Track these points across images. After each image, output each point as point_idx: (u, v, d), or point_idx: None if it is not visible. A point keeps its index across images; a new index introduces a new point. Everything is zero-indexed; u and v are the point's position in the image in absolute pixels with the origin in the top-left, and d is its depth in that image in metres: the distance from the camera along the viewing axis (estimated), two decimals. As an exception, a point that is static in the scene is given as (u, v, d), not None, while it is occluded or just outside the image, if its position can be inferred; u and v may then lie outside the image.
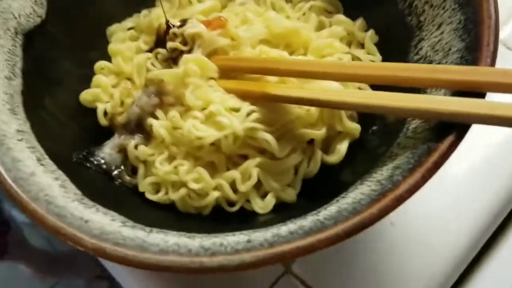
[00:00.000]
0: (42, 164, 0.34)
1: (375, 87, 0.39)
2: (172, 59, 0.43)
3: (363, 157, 0.39)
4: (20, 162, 0.32)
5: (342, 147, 0.40)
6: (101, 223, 0.30)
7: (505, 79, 0.27)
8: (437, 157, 0.28)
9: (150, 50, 0.45)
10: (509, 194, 0.47)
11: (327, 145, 0.41)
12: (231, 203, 0.39)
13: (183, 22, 0.44)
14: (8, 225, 1.02)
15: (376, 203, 0.27)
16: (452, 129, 0.28)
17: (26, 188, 0.31)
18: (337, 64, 0.38)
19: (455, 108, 0.28)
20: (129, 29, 0.48)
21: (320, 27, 0.45)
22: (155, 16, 0.46)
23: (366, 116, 0.41)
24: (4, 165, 0.32)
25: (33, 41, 0.41)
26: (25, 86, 0.38)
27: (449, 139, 0.28)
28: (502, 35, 0.52)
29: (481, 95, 0.29)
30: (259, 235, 0.29)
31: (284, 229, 0.29)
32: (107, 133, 0.43)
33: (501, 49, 0.50)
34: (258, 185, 0.39)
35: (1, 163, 0.32)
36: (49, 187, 0.32)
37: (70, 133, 0.41)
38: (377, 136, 0.40)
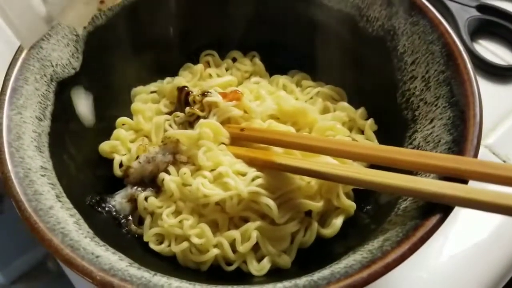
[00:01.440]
0: (60, 201, 0.37)
1: (371, 167, 0.42)
2: (189, 123, 0.48)
3: (355, 233, 0.41)
4: (41, 195, 0.35)
5: (337, 222, 0.43)
6: (110, 260, 0.32)
7: (484, 169, 0.31)
8: (423, 232, 0.31)
9: (169, 114, 0.49)
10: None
11: (324, 218, 0.44)
12: (229, 263, 0.41)
13: (204, 93, 0.48)
14: None
15: (366, 269, 0.30)
16: (437, 209, 0.32)
17: (45, 219, 0.33)
18: (337, 141, 0.42)
19: (437, 189, 0.31)
20: (152, 92, 0.53)
21: (325, 111, 0.50)
22: (177, 84, 0.51)
23: (361, 196, 0.44)
24: (26, 196, 0.34)
25: (64, 89, 0.45)
26: (52, 129, 0.42)
27: (434, 218, 0.31)
28: (489, 140, 0.56)
29: (464, 182, 0.32)
30: (256, 289, 0.31)
31: (279, 285, 0.31)
32: (119, 183, 0.46)
33: (487, 153, 0.55)
34: (255, 248, 0.41)
35: (24, 194, 0.34)
36: (65, 222, 0.34)
37: (86, 178, 0.44)
38: (370, 214, 0.43)
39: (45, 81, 0.43)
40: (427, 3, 0.44)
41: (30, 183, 0.35)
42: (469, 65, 0.40)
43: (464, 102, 0.38)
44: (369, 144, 0.45)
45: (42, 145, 0.40)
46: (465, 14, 0.65)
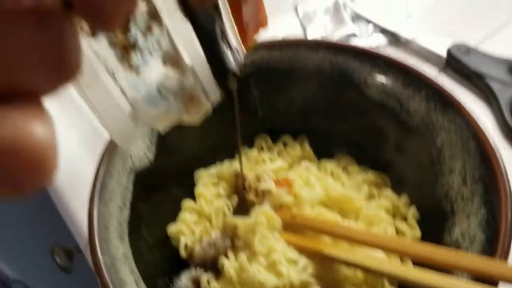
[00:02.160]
0: (137, 286, 0.43)
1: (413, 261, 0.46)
2: (245, 208, 0.53)
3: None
4: (125, 284, 0.41)
5: (381, 311, 0.46)
6: None
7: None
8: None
9: (228, 197, 0.55)
10: None
11: (368, 304, 0.47)
12: None
13: (258, 178, 0.54)
14: None
15: None
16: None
17: (129, 307, 0.39)
18: (382, 237, 0.46)
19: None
20: (212, 175, 0.59)
21: (370, 197, 0.54)
22: (234, 169, 0.57)
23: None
24: (113, 285, 0.40)
25: (140, 178, 0.52)
26: (131, 217, 0.49)
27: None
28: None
29: (495, 284, 0.36)
30: None
31: None
32: (186, 263, 0.52)
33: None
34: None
35: (111, 282, 0.40)
36: (143, 309, 0.40)
37: (156, 260, 0.50)
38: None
39: (126, 174, 0.50)
40: (461, 101, 0.48)
41: (116, 272, 0.42)
42: (502, 166, 0.43)
43: (497, 203, 0.41)
44: (411, 242, 0.48)
45: (123, 233, 0.46)
46: (507, 94, 0.68)
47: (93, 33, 0.24)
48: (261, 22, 0.32)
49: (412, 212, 0.51)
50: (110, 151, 0.49)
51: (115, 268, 0.42)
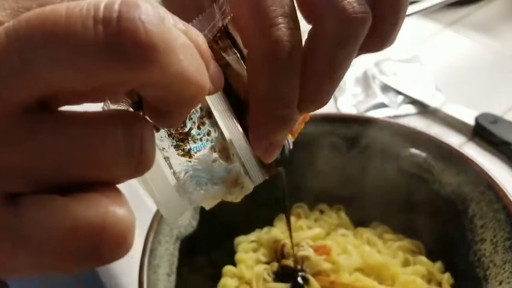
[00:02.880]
0: None
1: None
2: (285, 274, 0.56)
3: None
4: None
5: None
6: None
7: None
8: None
9: (267, 263, 0.58)
10: None
11: None
12: None
13: (297, 245, 0.57)
14: None
15: None
16: None
17: None
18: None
19: None
20: (252, 241, 0.62)
21: (405, 263, 0.56)
22: (273, 235, 0.60)
23: None
24: None
25: (185, 245, 0.55)
26: (177, 283, 0.52)
27: None
28: None
29: None
30: None
31: None
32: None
33: None
34: None
35: None
36: None
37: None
38: None
39: (173, 241, 0.54)
40: (493, 175, 0.51)
41: (165, 336, 0.45)
42: (532, 236, 0.45)
43: (528, 271, 0.43)
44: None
45: (170, 298, 0.50)
46: (535, 161, 0.71)
47: (157, 130, 0.29)
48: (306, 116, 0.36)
49: (446, 278, 0.53)
50: (158, 219, 0.53)
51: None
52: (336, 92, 0.91)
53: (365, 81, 0.91)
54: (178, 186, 0.32)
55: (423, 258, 0.56)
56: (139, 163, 0.20)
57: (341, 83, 0.92)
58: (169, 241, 0.53)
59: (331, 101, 0.89)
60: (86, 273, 0.77)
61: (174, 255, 0.53)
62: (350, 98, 0.89)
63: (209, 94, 0.24)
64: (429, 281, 0.55)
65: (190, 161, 0.32)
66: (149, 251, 0.51)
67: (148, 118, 0.23)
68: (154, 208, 0.67)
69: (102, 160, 0.19)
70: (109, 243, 0.19)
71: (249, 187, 0.34)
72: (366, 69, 0.92)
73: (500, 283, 0.46)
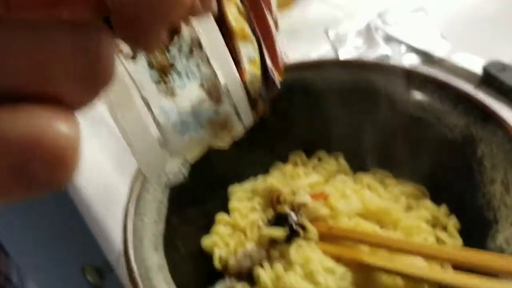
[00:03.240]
0: (173, 296, 0.42)
1: (454, 267, 0.45)
2: (280, 221, 0.53)
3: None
4: (160, 292, 0.41)
5: (424, 318, 0.44)
6: None
7: None
8: None
9: (263, 211, 0.55)
10: None
11: (409, 314, 0.46)
12: None
13: (293, 192, 0.54)
14: None
15: None
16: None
17: (164, 314, 0.39)
18: (423, 246, 0.44)
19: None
20: (246, 190, 0.59)
21: (408, 208, 0.53)
22: (269, 183, 0.57)
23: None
24: (148, 294, 0.40)
25: (175, 193, 0.52)
26: (166, 230, 0.49)
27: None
28: None
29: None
30: None
31: None
32: (220, 275, 0.51)
33: None
34: None
35: (145, 290, 0.40)
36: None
37: (191, 272, 0.50)
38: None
39: (161, 189, 0.50)
40: (503, 115, 0.47)
41: (150, 282, 0.42)
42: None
43: (542, 209, 0.40)
44: (452, 248, 0.47)
45: (159, 246, 0.47)
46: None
47: (134, 56, 0.25)
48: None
49: (452, 222, 0.50)
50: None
51: (150, 279, 0.42)
52: (336, 44, 0.87)
53: (368, 33, 0.87)
54: (159, 133, 0.28)
55: (428, 202, 0.52)
56: (92, 74, 0.17)
57: (342, 35, 0.88)
58: (157, 189, 0.50)
59: (332, 53, 0.86)
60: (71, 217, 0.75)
61: (163, 203, 0.50)
62: (352, 50, 0.84)
63: (196, 14, 0.20)
64: (434, 226, 0.51)
65: (173, 101, 0.28)
66: (135, 198, 0.48)
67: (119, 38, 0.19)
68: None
69: (47, 68, 0.16)
70: (44, 161, 0.16)
71: (238, 130, 0.30)
72: (369, 21, 0.87)
73: (512, 223, 0.42)
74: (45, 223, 1.05)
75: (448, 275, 0.39)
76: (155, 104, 0.27)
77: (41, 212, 1.03)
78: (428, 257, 0.42)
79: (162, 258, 0.46)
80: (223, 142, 0.31)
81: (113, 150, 0.72)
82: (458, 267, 0.41)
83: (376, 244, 0.45)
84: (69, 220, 0.80)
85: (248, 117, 0.30)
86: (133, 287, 0.40)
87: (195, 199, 0.56)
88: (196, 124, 0.28)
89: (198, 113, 0.28)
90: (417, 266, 0.42)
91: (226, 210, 0.57)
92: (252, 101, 0.30)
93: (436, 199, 0.53)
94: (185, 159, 0.53)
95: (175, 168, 0.53)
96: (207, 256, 0.53)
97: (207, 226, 0.56)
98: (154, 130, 0.28)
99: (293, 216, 0.51)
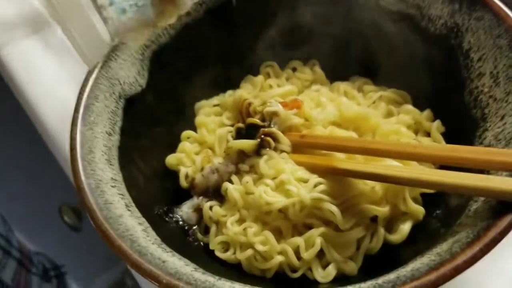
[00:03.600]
0: (129, 210, 0.38)
1: (439, 168, 0.41)
2: (250, 134, 0.48)
3: (424, 237, 0.40)
4: (111, 204, 0.37)
5: (405, 228, 0.41)
6: (176, 265, 0.33)
7: None
8: (495, 232, 0.29)
9: (232, 126, 0.50)
10: None
11: (391, 223, 0.42)
12: (294, 270, 0.41)
13: (264, 102, 0.49)
14: None
15: (434, 271, 0.29)
16: (510, 208, 0.30)
17: (114, 226, 0.35)
18: (402, 144, 0.40)
19: (510, 187, 0.29)
20: (215, 105, 0.54)
21: (389, 115, 0.49)
22: (238, 96, 0.52)
23: (430, 200, 0.42)
24: (97, 205, 0.36)
25: (132, 105, 0.47)
26: (121, 143, 0.44)
27: (508, 216, 0.29)
28: None
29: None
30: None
31: (343, 290, 0.31)
32: (186, 194, 0.47)
33: None
34: (320, 255, 0.40)
35: (95, 203, 0.36)
36: (133, 229, 0.36)
37: (154, 189, 0.46)
38: (440, 219, 0.41)
39: (114, 99, 0.45)
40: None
41: (101, 193, 0.37)
42: (541, 57, 0.37)
43: (537, 95, 0.35)
44: (434, 145, 0.43)
45: (112, 158, 0.42)
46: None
47: None
48: None
49: (436, 126, 0.45)
50: (96, 75, 0.45)
51: (100, 190, 0.38)
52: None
53: None
54: (99, 16, 0.24)
55: (409, 107, 0.48)
56: None
57: None
58: (109, 98, 0.45)
59: None
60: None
61: (116, 113, 0.45)
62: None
63: None
64: (416, 132, 0.47)
65: None
66: (83, 106, 0.43)
67: None
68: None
69: None
70: None
71: (186, 2, 0.26)
72: None
73: (502, 118, 0.38)
74: (20, 169, 1.01)
75: (431, 173, 0.35)
76: None
77: (14, 157, 0.99)
78: (408, 157, 0.38)
79: (117, 172, 0.41)
80: (169, 16, 0.27)
81: (70, 69, 0.66)
82: (445, 165, 0.37)
83: (352, 149, 0.41)
84: (42, 161, 0.76)
85: None
86: (80, 198, 0.36)
87: (159, 117, 0.51)
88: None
89: None
90: (395, 167, 0.39)
91: (193, 127, 0.53)
92: None
93: (420, 105, 0.49)
94: (144, 65, 0.48)
95: (131, 78, 0.47)
96: (173, 175, 0.49)
97: (173, 145, 0.51)
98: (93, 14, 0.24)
99: (263, 126, 0.47)
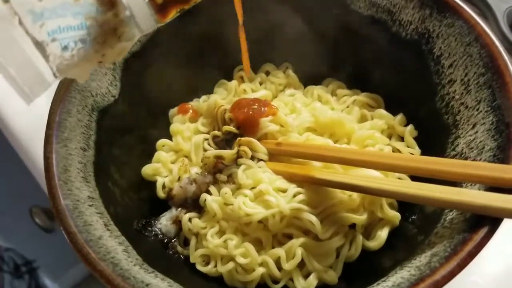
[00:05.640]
0: (108, 229, 0.38)
1: (413, 178, 0.42)
2: (226, 141, 0.48)
3: (402, 244, 0.41)
4: (90, 225, 0.36)
5: (383, 234, 0.42)
6: None
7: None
8: (471, 246, 0.30)
9: (207, 133, 0.50)
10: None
11: (368, 230, 0.43)
12: (275, 281, 0.41)
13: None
14: None
15: (415, 287, 0.30)
16: (485, 222, 0.31)
17: (95, 250, 0.34)
18: (378, 154, 0.41)
19: (485, 202, 0.30)
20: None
21: (363, 119, 0.49)
22: (213, 101, 0.51)
23: (406, 206, 0.43)
24: (77, 227, 0.36)
25: (106, 117, 0.46)
26: (96, 157, 0.43)
27: (483, 230, 0.31)
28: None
29: (512, 192, 0.31)
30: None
31: (327, 305, 0.31)
32: (163, 205, 0.47)
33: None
34: (301, 265, 0.41)
35: (75, 226, 0.36)
36: (114, 251, 0.35)
37: (131, 202, 0.45)
38: (416, 225, 0.42)
39: (87, 112, 0.44)
40: (461, 3, 0.43)
41: (80, 215, 0.37)
42: (510, 66, 0.38)
43: (507, 105, 0.37)
44: (411, 156, 0.44)
45: (88, 175, 0.41)
46: (503, 5, 0.63)
47: None
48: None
49: (409, 130, 0.46)
50: (66, 87, 0.43)
51: (79, 211, 0.37)
52: None
53: None
54: (40, 52, 0.23)
55: (382, 111, 0.49)
56: None
57: None
58: (82, 112, 0.44)
59: None
60: None
61: (90, 127, 0.44)
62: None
63: None
64: (390, 137, 0.48)
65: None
66: (56, 123, 0.42)
67: None
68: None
69: None
70: None
71: (132, 36, 0.25)
72: None
73: (474, 126, 0.39)
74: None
75: (407, 185, 0.36)
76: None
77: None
78: (384, 168, 0.39)
79: (94, 189, 0.41)
80: (112, 57, 0.26)
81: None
82: (419, 176, 0.37)
83: (329, 158, 0.41)
84: (12, 162, 0.74)
85: (147, 22, 0.25)
86: (60, 221, 0.35)
87: (132, 126, 0.50)
88: (78, 36, 0.24)
89: (89, 17, 0.24)
90: (374, 178, 0.39)
91: (167, 135, 0.52)
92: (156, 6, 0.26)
93: (392, 109, 0.49)
94: (116, 75, 0.47)
95: (103, 89, 0.46)
96: (149, 186, 0.49)
97: (149, 155, 0.51)
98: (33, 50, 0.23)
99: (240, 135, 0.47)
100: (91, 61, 0.26)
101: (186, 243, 0.45)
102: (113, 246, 0.36)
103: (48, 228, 0.93)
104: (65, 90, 0.43)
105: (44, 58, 0.24)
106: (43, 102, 0.52)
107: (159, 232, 0.44)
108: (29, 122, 0.63)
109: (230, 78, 0.56)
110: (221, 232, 0.43)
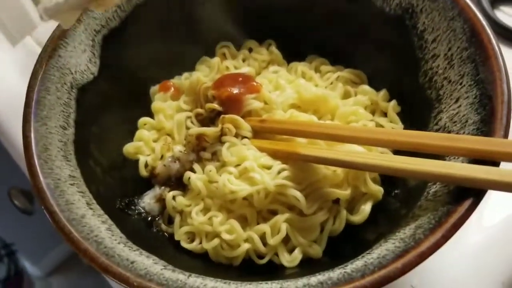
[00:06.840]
0: (91, 208, 0.37)
1: (396, 153, 0.42)
2: (210, 118, 0.47)
3: (385, 218, 0.41)
4: (72, 204, 0.36)
5: (366, 208, 0.42)
6: (145, 265, 0.33)
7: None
8: (456, 218, 0.30)
9: (190, 110, 0.49)
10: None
11: (352, 205, 0.43)
12: (260, 256, 0.41)
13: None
14: (22, 276, 1.06)
15: (400, 259, 0.30)
16: (469, 194, 0.31)
17: (78, 228, 0.34)
18: (362, 129, 0.41)
19: (469, 173, 0.31)
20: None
21: (346, 95, 0.49)
22: (195, 79, 0.50)
23: (389, 180, 0.44)
24: (59, 206, 0.35)
25: (85, 95, 0.45)
26: (77, 136, 0.42)
27: (467, 202, 0.31)
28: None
29: (495, 164, 0.32)
30: (291, 284, 0.31)
31: (313, 279, 0.32)
32: (147, 183, 0.46)
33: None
34: (286, 240, 0.41)
35: (56, 205, 0.35)
36: (97, 229, 0.35)
37: (114, 181, 0.45)
38: (399, 199, 0.42)
39: (66, 89, 0.43)
40: (444, -22, 0.43)
41: (61, 194, 0.36)
42: (494, 40, 0.38)
43: (490, 79, 0.37)
44: (394, 130, 0.44)
45: (69, 154, 0.40)
46: (484, -19, 0.63)
47: None
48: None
49: (392, 105, 0.46)
50: (44, 65, 0.42)
51: (60, 190, 0.36)
52: None
53: None
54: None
55: (366, 87, 0.49)
56: None
57: None
58: (61, 89, 0.43)
59: None
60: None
61: (69, 105, 0.43)
62: None
63: None
64: (373, 112, 0.48)
65: None
66: (34, 101, 0.41)
67: None
68: (37, 48, 0.55)
69: None
70: None
71: None
72: None
73: (457, 100, 0.39)
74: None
75: (391, 159, 0.36)
76: None
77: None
78: (368, 142, 0.39)
79: (75, 168, 0.40)
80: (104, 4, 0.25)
81: (17, 59, 0.62)
82: (403, 150, 0.38)
83: (313, 134, 0.41)
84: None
85: None
86: (40, 200, 0.35)
87: (113, 104, 0.49)
88: None
89: None
90: (357, 153, 0.39)
91: (149, 113, 0.51)
92: None
93: (376, 85, 0.49)
94: (95, 52, 0.46)
95: (82, 66, 0.45)
96: (132, 165, 0.48)
97: (131, 134, 0.50)
98: None
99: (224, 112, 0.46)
100: (78, 6, 0.25)
101: (170, 221, 0.45)
102: (96, 225, 0.35)
103: (27, 210, 0.92)
104: (43, 68, 0.42)
105: (33, 2, 0.23)
106: (20, 81, 0.51)
107: (142, 210, 0.44)
108: (5, 101, 0.61)
109: (212, 55, 0.55)
110: (205, 210, 0.43)
